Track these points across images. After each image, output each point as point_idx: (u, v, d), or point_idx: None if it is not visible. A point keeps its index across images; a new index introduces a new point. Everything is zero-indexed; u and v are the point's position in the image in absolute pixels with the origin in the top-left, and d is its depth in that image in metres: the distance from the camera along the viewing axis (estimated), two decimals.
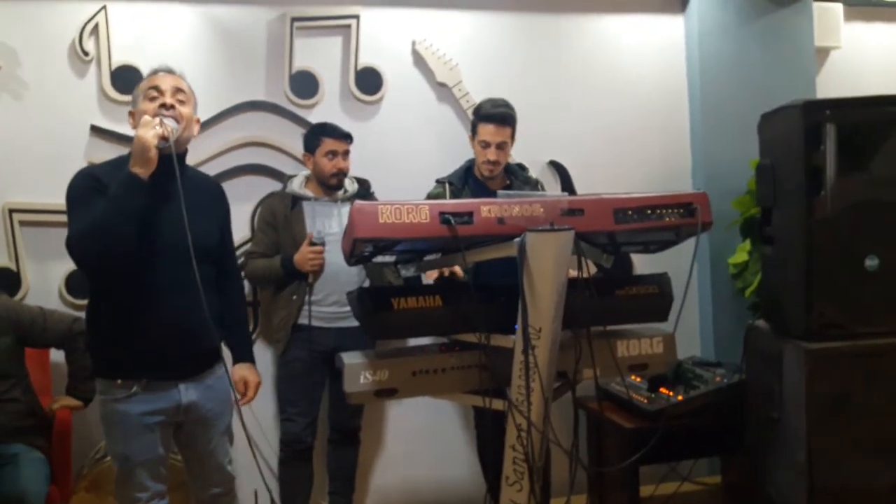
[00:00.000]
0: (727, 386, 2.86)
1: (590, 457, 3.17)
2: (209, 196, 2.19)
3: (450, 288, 2.37)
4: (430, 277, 2.57)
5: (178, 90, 2.04)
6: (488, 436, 2.95)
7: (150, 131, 1.88)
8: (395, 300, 1.99)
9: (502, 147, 2.78)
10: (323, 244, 2.75)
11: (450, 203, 1.93)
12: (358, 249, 1.97)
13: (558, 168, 3.41)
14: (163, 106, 1.98)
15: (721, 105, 3.54)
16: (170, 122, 1.94)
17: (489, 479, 3.03)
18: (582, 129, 3.50)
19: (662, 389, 2.93)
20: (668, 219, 2.06)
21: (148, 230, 1.93)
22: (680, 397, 2.84)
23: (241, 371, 2.26)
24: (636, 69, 3.59)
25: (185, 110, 2.02)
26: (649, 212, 2.05)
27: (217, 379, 2.15)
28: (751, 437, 2.67)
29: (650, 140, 3.61)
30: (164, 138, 1.90)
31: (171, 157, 1.90)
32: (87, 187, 1.96)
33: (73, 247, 1.90)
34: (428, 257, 2.34)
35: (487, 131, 2.77)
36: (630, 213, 2.03)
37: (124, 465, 2.02)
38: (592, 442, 3.14)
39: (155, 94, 2.00)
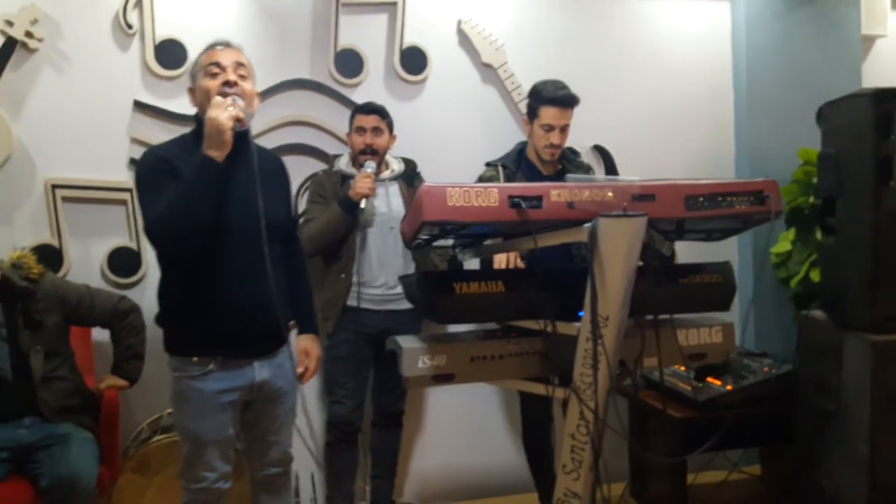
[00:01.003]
0: (776, 376, 2.83)
1: (631, 445, 3.15)
2: (273, 171, 2.14)
3: (512, 273, 2.33)
4: (497, 263, 2.53)
5: (239, 65, 1.99)
6: (536, 424, 2.93)
7: (224, 113, 1.86)
8: (457, 284, 1.95)
9: (565, 130, 2.73)
10: (375, 174, 2.74)
11: (518, 186, 1.88)
12: (424, 232, 1.94)
13: (602, 153, 3.36)
14: (226, 83, 1.94)
15: (767, 92, 3.48)
16: (239, 102, 1.91)
17: (536, 467, 3.01)
18: (625, 114, 3.45)
19: (710, 379, 2.89)
20: (738, 206, 2.01)
21: (220, 209, 1.91)
22: (729, 387, 2.80)
23: (304, 342, 2.25)
24: (682, 54, 3.54)
25: (247, 86, 1.99)
26: (720, 199, 2.00)
27: (286, 357, 2.14)
28: (802, 429, 2.63)
29: (694, 126, 3.55)
30: (238, 120, 1.88)
31: (238, 135, 1.89)
32: (157, 169, 1.93)
33: (151, 231, 1.90)
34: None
35: (552, 114, 2.70)
36: (701, 199, 1.98)
37: (195, 443, 2.01)
38: (636, 431, 3.11)
39: (216, 70, 1.96)
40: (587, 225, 1.85)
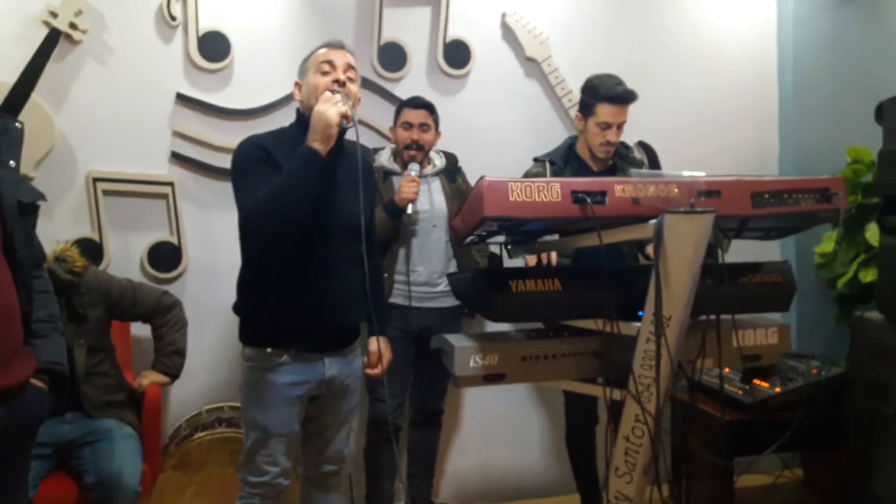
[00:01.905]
0: (826, 379, 2.76)
1: (674, 448, 3.09)
2: (365, 173, 2.16)
3: (569, 271, 2.28)
4: (530, 262, 2.48)
5: (350, 67, 2.02)
6: (581, 425, 2.88)
7: (333, 108, 1.87)
8: (513, 282, 1.91)
9: (621, 127, 2.65)
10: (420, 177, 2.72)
11: (582, 181, 1.83)
12: (483, 228, 1.89)
13: (646, 149, 3.30)
14: (336, 82, 1.96)
15: (813, 89, 3.42)
16: (348, 100, 1.93)
17: (580, 469, 2.95)
18: (669, 110, 3.40)
19: (756, 381, 2.84)
20: (803, 204, 1.96)
21: (314, 205, 1.92)
22: (778, 389, 2.74)
23: (376, 344, 2.23)
24: (727, 50, 3.49)
25: (354, 88, 2.01)
26: (786, 196, 1.95)
27: (356, 356, 2.16)
28: (856, 433, 2.57)
29: (738, 123, 3.50)
30: (345, 116, 1.89)
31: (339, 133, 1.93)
32: (256, 157, 1.94)
33: (250, 216, 1.88)
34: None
35: (609, 112, 2.61)
36: (767, 196, 1.93)
37: (261, 435, 2.00)
38: (679, 433, 3.05)
39: (328, 68, 1.99)
40: (653, 222, 1.80)
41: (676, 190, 1.86)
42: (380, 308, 2.27)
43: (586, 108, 2.69)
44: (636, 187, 1.84)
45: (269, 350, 1.99)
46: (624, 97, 2.63)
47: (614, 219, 1.85)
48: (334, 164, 1.97)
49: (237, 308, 2.08)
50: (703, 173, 1.94)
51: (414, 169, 2.69)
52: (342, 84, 1.97)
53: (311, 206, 1.89)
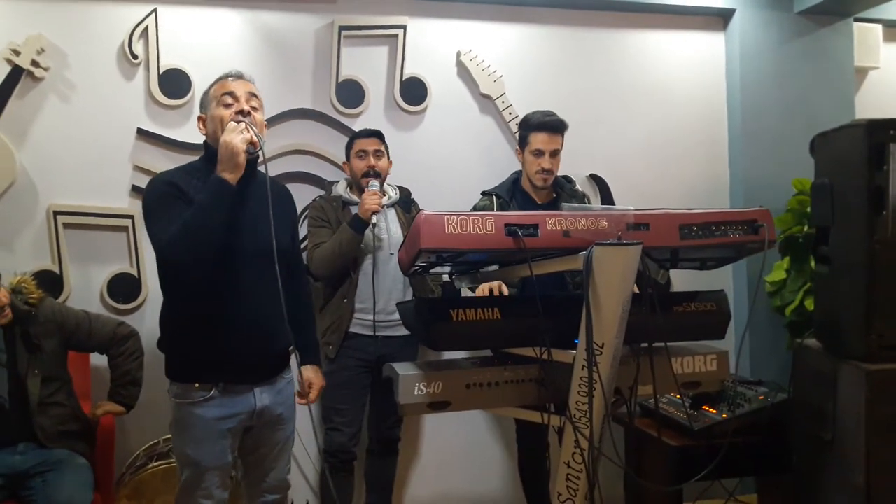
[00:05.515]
0: (771, 405, 2.83)
1: (626, 474, 3.13)
2: (279, 199, 2.15)
3: (508, 300, 2.34)
4: (480, 292, 2.54)
5: (252, 96, 2.02)
6: (531, 452, 2.92)
7: (238, 136, 1.89)
8: (453, 312, 1.97)
9: (555, 155, 2.77)
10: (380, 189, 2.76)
11: (515, 215, 1.90)
12: (421, 259, 1.96)
13: (598, 182, 3.40)
14: (239, 112, 1.96)
15: (761, 123, 3.54)
16: (253, 127, 1.94)
17: (531, 495, 3.00)
18: (622, 144, 3.49)
19: (705, 407, 2.89)
20: (732, 235, 2.04)
21: (227, 234, 1.92)
22: (724, 415, 2.80)
23: (308, 373, 2.23)
24: (677, 85, 3.59)
25: (259, 117, 2.02)
26: (714, 228, 2.03)
27: (287, 383, 2.16)
28: (799, 458, 2.63)
29: (689, 156, 3.60)
30: (252, 143, 1.91)
31: (248, 161, 1.93)
32: (167, 193, 1.95)
33: (165, 251, 1.89)
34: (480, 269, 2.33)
35: (540, 139, 2.75)
36: (695, 228, 2.00)
37: (194, 470, 2.00)
38: (631, 459, 3.10)
39: (230, 100, 1.99)
40: (582, 253, 1.87)
41: (606, 223, 1.93)
42: (310, 333, 2.29)
43: (522, 140, 2.84)
44: (567, 221, 1.91)
45: (196, 385, 1.98)
46: (553, 125, 2.77)
47: (546, 250, 1.93)
48: (245, 192, 1.97)
49: (160, 344, 2.08)
50: (632, 207, 2.02)
51: (374, 184, 2.76)
52: (246, 114, 1.97)
53: (224, 235, 1.90)
